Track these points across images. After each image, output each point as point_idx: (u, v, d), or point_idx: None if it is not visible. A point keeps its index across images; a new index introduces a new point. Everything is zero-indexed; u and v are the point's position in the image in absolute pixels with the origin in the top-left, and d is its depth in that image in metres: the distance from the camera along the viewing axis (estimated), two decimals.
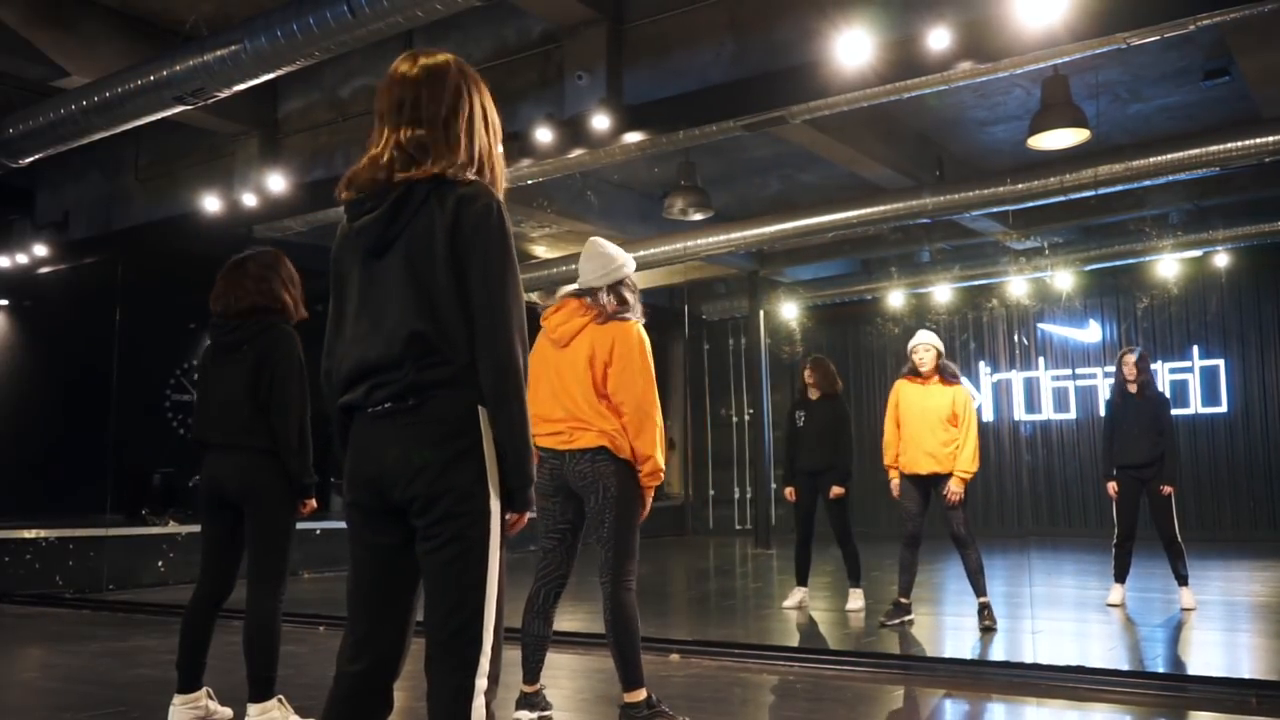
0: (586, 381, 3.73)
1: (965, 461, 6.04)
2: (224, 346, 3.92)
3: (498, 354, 2.07)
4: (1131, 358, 6.98)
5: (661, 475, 3.79)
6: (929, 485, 6.19)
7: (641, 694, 3.67)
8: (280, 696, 3.80)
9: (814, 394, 7.04)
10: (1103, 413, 12.75)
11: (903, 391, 6.33)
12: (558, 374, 3.80)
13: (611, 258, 3.88)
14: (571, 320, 3.83)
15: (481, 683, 2.03)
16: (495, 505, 2.06)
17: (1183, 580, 6.68)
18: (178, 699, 3.87)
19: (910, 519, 6.26)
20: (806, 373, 7.11)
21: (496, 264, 2.08)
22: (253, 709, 3.73)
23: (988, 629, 5.99)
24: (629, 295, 3.87)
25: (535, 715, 3.91)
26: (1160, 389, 7.06)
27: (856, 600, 6.93)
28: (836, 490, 6.80)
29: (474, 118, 2.19)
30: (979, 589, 6.12)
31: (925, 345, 6.28)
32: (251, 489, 3.79)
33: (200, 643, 3.90)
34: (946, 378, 6.24)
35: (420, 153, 2.11)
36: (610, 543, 3.69)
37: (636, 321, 3.84)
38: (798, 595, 7.07)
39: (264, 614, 3.74)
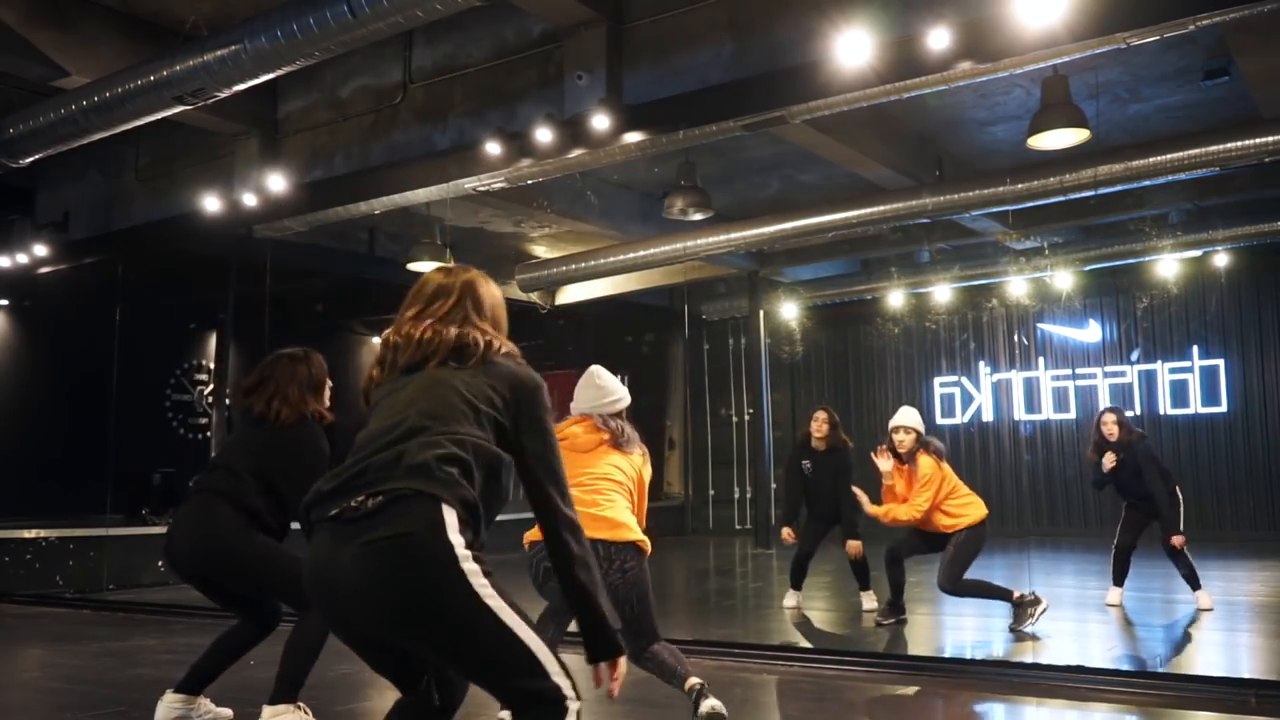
0: (625, 487, 3.87)
1: (903, 510, 6.08)
2: (251, 422, 4.01)
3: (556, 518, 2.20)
4: (1111, 418, 6.93)
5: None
6: (929, 539, 6.26)
7: (694, 681, 3.76)
8: (301, 704, 3.79)
9: (820, 445, 6.97)
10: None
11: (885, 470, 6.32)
12: (584, 468, 3.84)
13: (607, 390, 4.02)
14: (591, 434, 3.95)
15: (573, 705, 2.00)
16: (479, 581, 1.96)
17: (1195, 585, 6.69)
18: (173, 696, 3.87)
19: (899, 543, 6.29)
20: (817, 424, 7.02)
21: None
22: (266, 710, 3.72)
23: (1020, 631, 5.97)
24: (616, 423, 3.98)
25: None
26: (1143, 439, 6.99)
27: (870, 601, 6.91)
28: (855, 545, 6.78)
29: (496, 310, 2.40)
30: (1003, 596, 6.10)
31: (906, 427, 6.27)
32: (213, 553, 3.82)
33: (227, 662, 3.94)
34: (915, 457, 6.23)
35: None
36: (640, 623, 3.76)
37: (641, 453, 4.02)
38: (794, 599, 7.10)
39: (309, 625, 3.77)
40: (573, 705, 2.00)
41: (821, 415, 7.06)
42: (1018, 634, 5.92)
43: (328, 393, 4.08)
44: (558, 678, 2.00)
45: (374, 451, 2.04)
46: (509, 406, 2.17)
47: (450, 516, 1.94)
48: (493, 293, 2.42)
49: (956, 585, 6.05)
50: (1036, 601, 6.02)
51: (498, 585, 1.99)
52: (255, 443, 3.94)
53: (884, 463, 6.26)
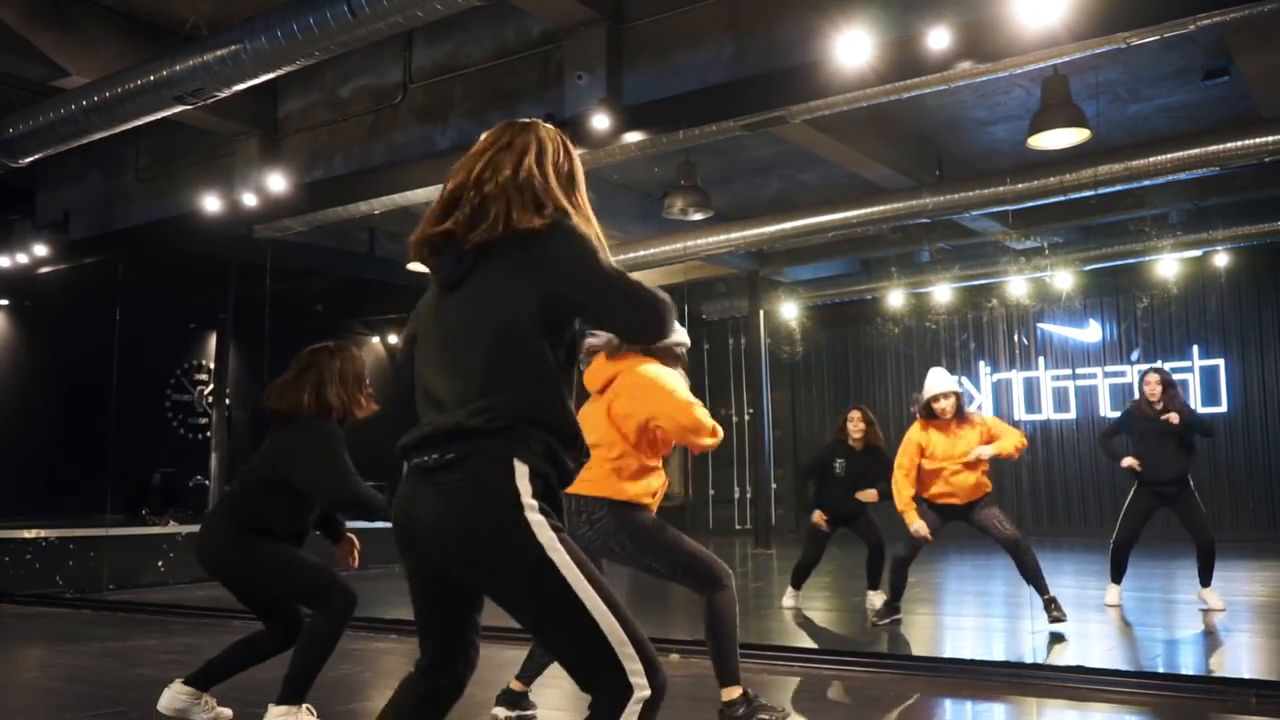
0: (618, 421, 3.70)
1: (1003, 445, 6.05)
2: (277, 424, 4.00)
3: None
4: (1155, 378, 6.79)
5: (705, 437, 3.67)
6: (955, 515, 6.13)
7: (737, 691, 3.68)
8: (309, 706, 3.77)
9: (857, 444, 6.95)
10: (1104, 410, 12.88)
11: (930, 437, 6.13)
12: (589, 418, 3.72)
13: None
14: (604, 369, 3.80)
15: (640, 692, 1.92)
16: (545, 534, 1.93)
17: (1207, 581, 6.60)
18: (181, 687, 3.87)
19: (917, 540, 6.12)
20: (854, 423, 6.98)
21: None
22: (272, 710, 3.71)
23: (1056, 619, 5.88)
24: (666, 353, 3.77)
25: (515, 714, 3.91)
26: (1189, 405, 6.87)
27: (879, 600, 6.82)
28: (870, 494, 6.80)
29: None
30: (1043, 588, 6.00)
31: (946, 393, 6.12)
32: (217, 562, 3.83)
33: (243, 667, 3.93)
34: (964, 418, 6.15)
35: None
36: (672, 575, 3.68)
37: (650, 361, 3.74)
38: (793, 598, 7.11)
39: (320, 627, 3.74)
40: (639, 692, 1.91)
41: (856, 414, 7.02)
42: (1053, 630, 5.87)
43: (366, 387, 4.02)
44: (626, 660, 1.92)
45: (436, 412, 2.03)
46: (557, 306, 2.01)
47: (521, 467, 1.94)
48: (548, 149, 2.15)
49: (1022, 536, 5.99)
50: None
51: (571, 548, 1.95)
52: (273, 446, 3.91)
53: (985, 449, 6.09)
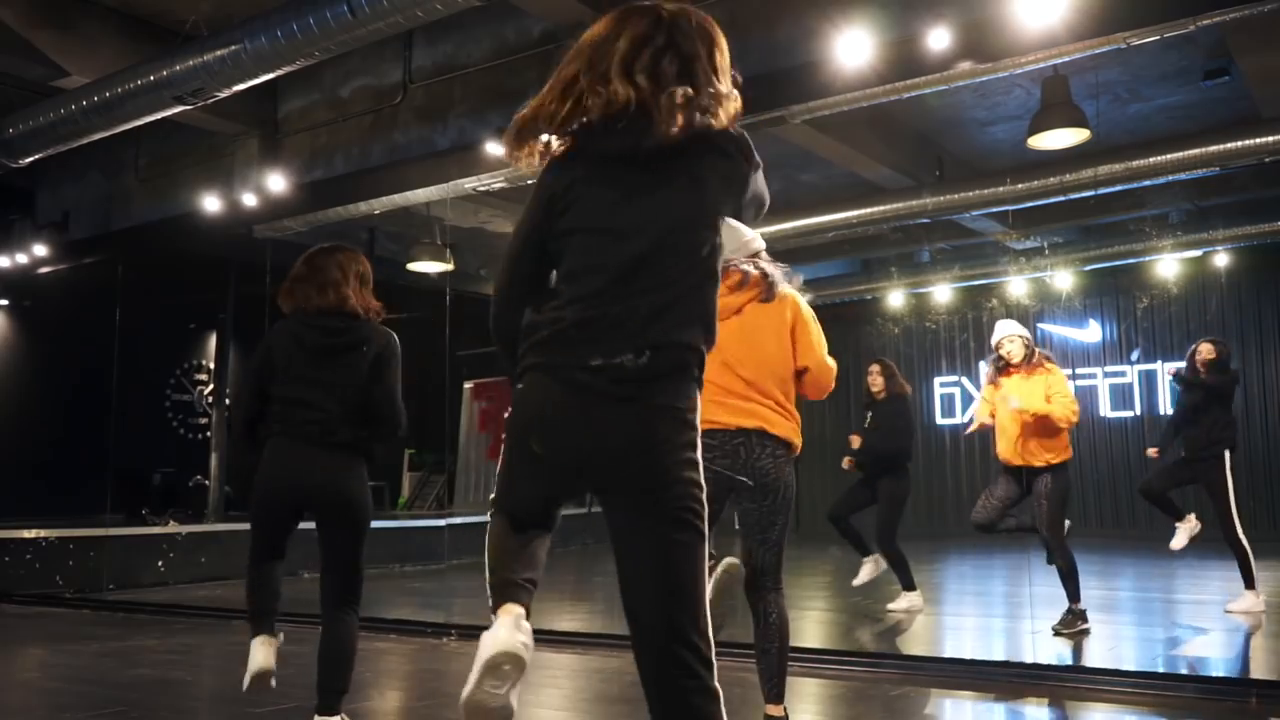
0: (777, 360, 3.51)
1: (1049, 406, 5.83)
2: (335, 349, 3.79)
3: None
4: (1207, 346, 6.70)
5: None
6: (1023, 480, 5.99)
7: (782, 710, 3.59)
8: (343, 714, 3.74)
9: (880, 395, 7.08)
10: (1104, 410, 12.88)
11: (1003, 385, 6.08)
12: (731, 343, 3.29)
13: (741, 232, 3.51)
14: (730, 295, 3.47)
15: (718, 690, 1.80)
16: (703, 483, 1.85)
17: (1248, 583, 6.40)
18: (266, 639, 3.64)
19: (988, 507, 5.98)
20: (872, 376, 7.11)
21: None
22: None
23: (1082, 632, 5.76)
24: (768, 266, 3.64)
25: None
26: (1224, 372, 6.73)
27: (905, 601, 6.68)
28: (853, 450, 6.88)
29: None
30: (1069, 594, 5.86)
31: (1010, 336, 6.08)
32: (347, 500, 3.55)
33: (276, 592, 3.70)
34: (1034, 365, 6.05)
35: None
36: (776, 548, 3.52)
37: (795, 293, 3.66)
38: (868, 569, 6.85)
39: (347, 631, 3.63)
40: (715, 687, 1.79)
41: (875, 367, 7.14)
42: (1063, 632, 5.74)
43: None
44: (708, 653, 1.79)
45: (626, 296, 1.82)
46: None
47: (694, 403, 1.84)
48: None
49: (1058, 534, 5.77)
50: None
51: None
52: (342, 366, 3.69)
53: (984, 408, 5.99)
